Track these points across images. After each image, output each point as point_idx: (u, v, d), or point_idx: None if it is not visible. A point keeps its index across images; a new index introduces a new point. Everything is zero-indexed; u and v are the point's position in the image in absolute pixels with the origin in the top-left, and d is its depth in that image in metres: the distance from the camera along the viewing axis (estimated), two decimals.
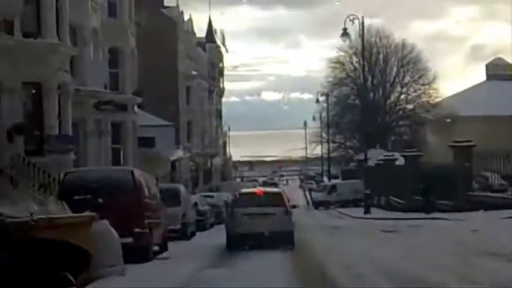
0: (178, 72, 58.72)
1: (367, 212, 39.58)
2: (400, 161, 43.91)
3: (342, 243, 19.63)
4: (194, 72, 62.46)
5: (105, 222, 11.38)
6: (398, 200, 39.97)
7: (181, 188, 25.07)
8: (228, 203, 43.75)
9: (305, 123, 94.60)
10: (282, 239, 18.40)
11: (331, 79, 62.58)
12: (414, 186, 37.66)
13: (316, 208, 51.87)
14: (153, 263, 16.10)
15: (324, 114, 65.87)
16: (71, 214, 11.21)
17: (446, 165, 36.61)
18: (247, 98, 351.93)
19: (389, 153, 45.66)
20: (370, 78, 59.86)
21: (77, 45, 28.92)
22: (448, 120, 58.37)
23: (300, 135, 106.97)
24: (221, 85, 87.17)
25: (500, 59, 78.92)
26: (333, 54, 63.08)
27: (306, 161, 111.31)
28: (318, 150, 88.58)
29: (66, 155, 24.82)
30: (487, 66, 78.65)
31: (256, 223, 18.70)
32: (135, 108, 37.05)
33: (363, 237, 21.61)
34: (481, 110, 69.73)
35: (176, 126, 57.39)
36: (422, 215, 34.75)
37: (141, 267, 14.16)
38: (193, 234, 25.96)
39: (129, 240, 14.66)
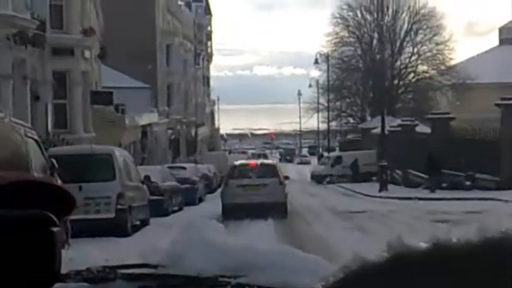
0: (156, 27, 48.88)
1: (383, 189, 30.14)
2: (421, 129, 34.69)
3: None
4: (175, 28, 52.68)
5: None
6: (421, 175, 30.54)
7: (117, 152, 15.07)
8: (209, 176, 34.44)
9: (299, 93, 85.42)
10: (276, 209, 18.10)
11: (331, 38, 52.51)
12: (445, 158, 28.40)
13: (319, 183, 42.05)
14: None
15: (322, 78, 55.99)
16: None
17: (485, 131, 27.63)
18: (240, 72, 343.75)
19: (408, 118, 36.06)
20: (376, 36, 50.04)
21: None
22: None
23: (293, 109, 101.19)
24: (209, 50, 77.34)
25: None
26: (328, 28, 52.77)
27: (300, 134, 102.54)
28: (311, 123, 79.55)
29: None
30: (500, 30, 68.94)
31: (250, 194, 18.60)
32: (86, 54, 27.34)
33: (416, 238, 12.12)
34: (494, 77, 60.83)
35: (154, 89, 47.79)
36: (459, 193, 25.64)
37: None
38: (142, 225, 16.46)
39: None
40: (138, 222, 16.26)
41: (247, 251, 1.80)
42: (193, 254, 1.78)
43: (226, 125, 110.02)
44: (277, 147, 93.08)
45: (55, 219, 1.11)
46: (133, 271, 1.80)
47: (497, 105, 26.46)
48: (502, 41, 67.73)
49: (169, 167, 25.42)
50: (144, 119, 37.40)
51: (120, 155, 15.02)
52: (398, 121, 37.74)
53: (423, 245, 0.83)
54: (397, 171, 34.87)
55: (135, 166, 17.04)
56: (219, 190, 35.04)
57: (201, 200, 26.62)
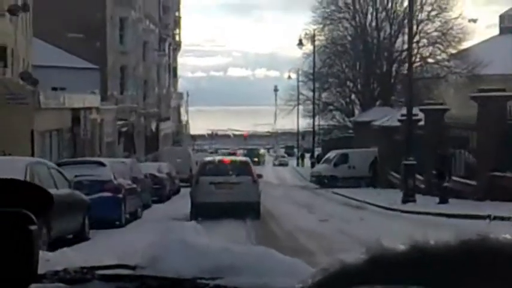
0: None
1: (408, 199, 19.91)
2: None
3: None
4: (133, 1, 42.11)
5: None
6: (462, 180, 20.42)
7: None
8: (160, 179, 24.07)
9: (275, 88, 75.58)
10: (249, 209, 16.75)
11: (316, 15, 42.05)
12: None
13: (321, 184, 32.79)
14: None
15: (307, 64, 45.66)
16: None
17: None
18: (214, 73, 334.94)
19: (435, 101, 25.89)
20: (372, 12, 40.12)
21: None
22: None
23: (268, 111, 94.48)
24: (177, 38, 66.84)
25: None
26: (314, 3, 42.11)
27: (275, 134, 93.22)
28: (287, 123, 69.86)
29: None
30: (501, 18, 59.68)
31: (222, 192, 17.27)
32: None
33: None
34: (496, 69, 51.76)
35: (103, 70, 37.35)
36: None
37: None
38: None
39: None
40: None
41: (225, 252, 1.75)
42: (171, 255, 1.74)
43: (199, 125, 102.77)
44: (240, 148, 79.88)
45: (33, 217, 1.05)
46: (111, 272, 1.73)
47: None
48: (503, 30, 58.54)
49: (67, 164, 14.66)
50: (76, 101, 26.80)
51: None
52: (402, 111, 27.85)
53: (401, 246, 0.81)
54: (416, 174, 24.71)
55: None
56: (175, 198, 24.98)
57: (134, 218, 16.10)
